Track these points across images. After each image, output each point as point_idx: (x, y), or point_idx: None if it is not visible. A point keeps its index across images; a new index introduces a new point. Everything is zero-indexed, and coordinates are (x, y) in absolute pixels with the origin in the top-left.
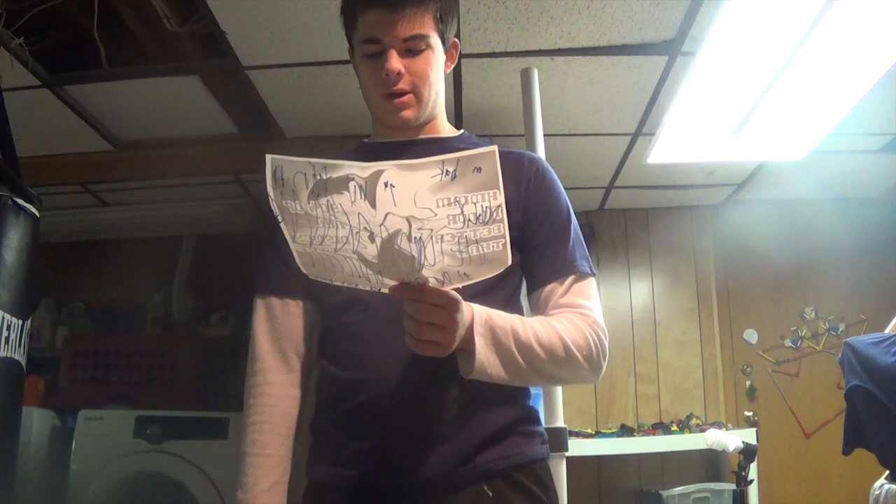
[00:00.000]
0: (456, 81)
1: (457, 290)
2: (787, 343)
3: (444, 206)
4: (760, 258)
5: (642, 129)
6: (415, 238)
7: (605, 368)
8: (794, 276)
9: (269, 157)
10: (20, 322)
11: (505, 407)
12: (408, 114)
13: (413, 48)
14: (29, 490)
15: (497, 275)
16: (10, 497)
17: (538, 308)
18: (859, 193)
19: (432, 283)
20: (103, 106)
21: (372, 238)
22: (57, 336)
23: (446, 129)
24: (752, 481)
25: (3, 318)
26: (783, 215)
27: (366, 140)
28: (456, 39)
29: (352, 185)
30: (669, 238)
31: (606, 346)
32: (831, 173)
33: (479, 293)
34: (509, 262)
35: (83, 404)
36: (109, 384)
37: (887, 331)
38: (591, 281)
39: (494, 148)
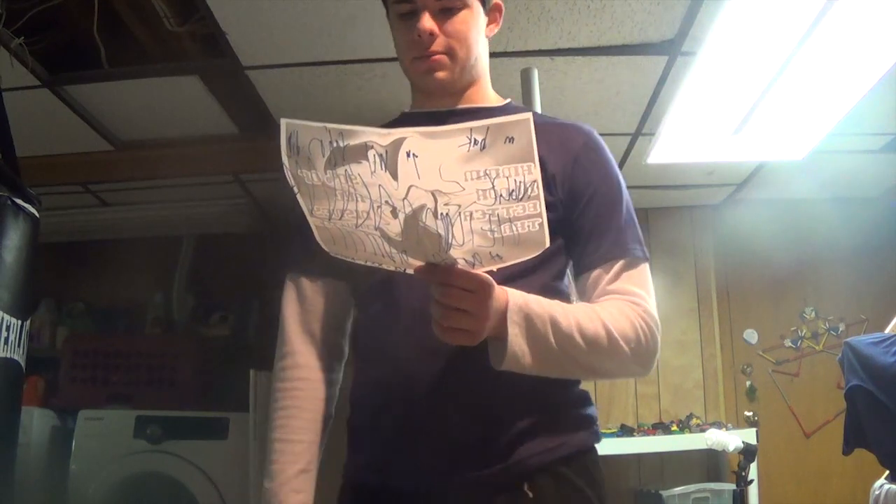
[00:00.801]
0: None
1: (490, 273)
2: (787, 343)
3: (472, 179)
4: (760, 258)
5: (642, 129)
6: (441, 214)
7: (655, 363)
8: (794, 276)
9: (283, 122)
10: (19, 322)
11: (550, 392)
12: (442, 76)
13: (448, 7)
14: (29, 490)
15: (537, 257)
16: (9, 497)
17: (584, 295)
18: (859, 193)
19: (461, 264)
20: (103, 106)
21: (395, 213)
22: (57, 336)
23: (490, 98)
24: (752, 481)
25: (2, 318)
26: (783, 215)
27: (405, 110)
28: (499, 0)
29: (371, 153)
30: (669, 238)
31: (658, 338)
32: (831, 173)
33: (517, 277)
34: (547, 245)
35: (83, 404)
36: (109, 384)
37: (887, 331)
38: (644, 266)
39: (529, 115)
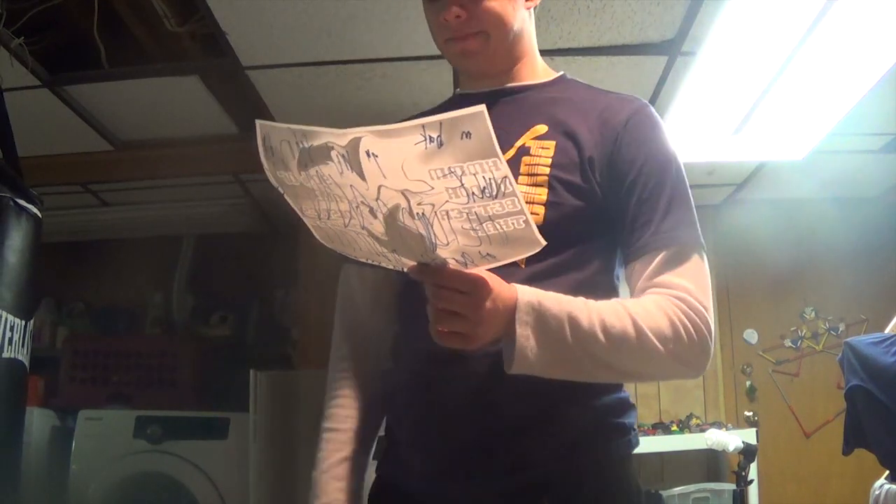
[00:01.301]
0: (456, 82)
1: (504, 272)
2: (787, 343)
3: (439, 178)
4: (760, 258)
5: None
6: (417, 214)
7: (708, 363)
8: (794, 276)
9: (257, 123)
10: (23, 323)
11: (585, 402)
12: (477, 58)
13: None
14: (29, 490)
15: (570, 253)
16: (16, 495)
17: (630, 288)
18: (859, 193)
19: (452, 264)
20: (103, 106)
21: (373, 213)
22: (57, 336)
23: (539, 73)
24: (752, 481)
25: (6, 319)
26: (783, 215)
27: (459, 91)
28: None
29: (333, 154)
30: None
31: (708, 334)
32: (831, 173)
33: (547, 275)
34: (541, 243)
35: (83, 404)
36: (109, 384)
37: (887, 331)
38: (694, 255)
39: (482, 108)
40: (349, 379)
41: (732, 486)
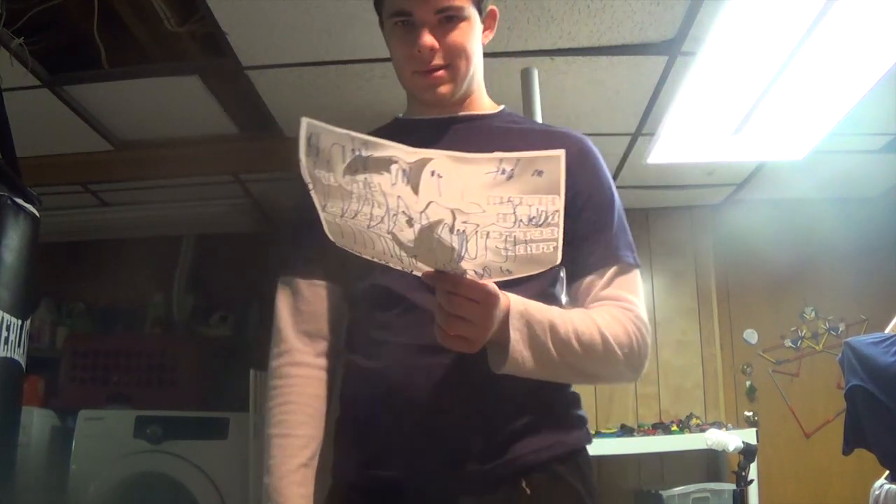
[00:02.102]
0: None
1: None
2: (787, 343)
3: (494, 203)
4: (760, 258)
5: (642, 129)
6: (458, 231)
7: (645, 368)
8: (794, 276)
9: (304, 121)
10: (19, 322)
11: (545, 392)
12: (444, 90)
13: (448, 19)
14: (29, 490)
15: None
16: (10, 497)
17: (577, 300)
18: (859, 193)
19: (470, 275)
20: (103, 106)
21: (410, 223)
22: (57, 336)
23: (486, 105)
24: (752, 481)
25: (2, 318)
26: (783, 215)
27: (400, 116)
28: (493, 7)
29: (394, 167)
30: (669, 238)
31: (649, 342)
32: (831, 173)
33: (516, 283)
34: (557, 262)
35: (83, 404)
36: (109, 384)
37: (887, 331)
38: (636, 273)
39: (561, 153)
40: (302, 386)
41: (732, 486)
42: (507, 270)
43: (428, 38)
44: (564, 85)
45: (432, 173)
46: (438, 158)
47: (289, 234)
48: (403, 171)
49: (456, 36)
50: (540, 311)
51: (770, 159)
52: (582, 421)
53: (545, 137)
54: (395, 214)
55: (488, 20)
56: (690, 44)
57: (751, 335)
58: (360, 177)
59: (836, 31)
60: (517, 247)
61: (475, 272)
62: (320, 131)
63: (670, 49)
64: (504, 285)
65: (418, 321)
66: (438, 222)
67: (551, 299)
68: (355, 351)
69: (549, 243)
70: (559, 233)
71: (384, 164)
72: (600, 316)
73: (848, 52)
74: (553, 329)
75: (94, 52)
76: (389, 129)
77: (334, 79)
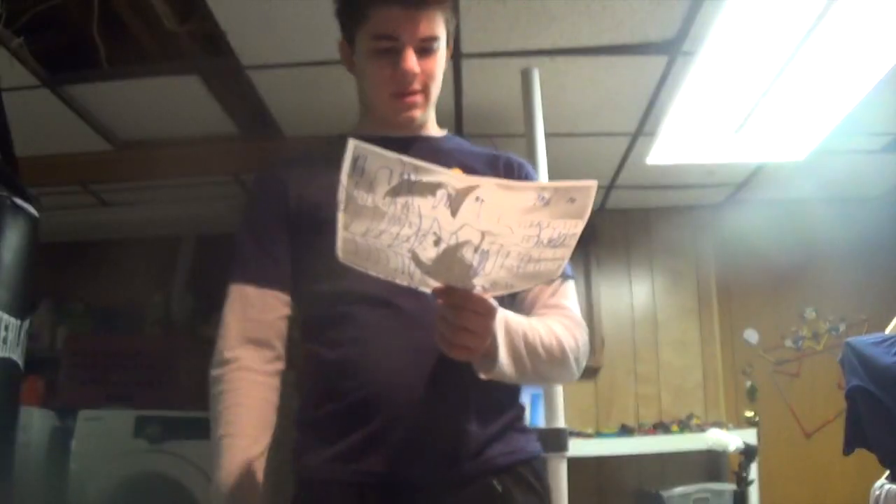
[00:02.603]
0: (456, 81)
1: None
2: (788, 343)
3: (524, 227)
4: (760, 258)
5: (642, 129)
6: (482, 251)
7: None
8: (794, 276)
9: (352, 143)
10: (18, 322)
11: (507, 403)
12: (416, 113)
13: (427, 48)
14: (29, 490)
15: None
16: (8, 497)
17: (524, 308)
18: (859, 193)
19: (478, 290)
20: (103, 106)
21: (437, 243)
22: (57, 336)
23: (435, 129)
24: (752, 481)
25: (0, 317)
26: (783, 215)
27: (360, 132)
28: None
29: (440, 192)
30: (670, 238)
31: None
32: (831, 173)
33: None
34: (556, 278)
35: (83, 404)
36: (109, 384)
37: (888, 331)
38: (573, 283)
39: (594, 183)
40: (251, 390)
41: (732, 487)
42: (510, 285)
43: (413, 63)
44: (564, 85)
45: (476, 199)
46: (486, 186)
47: (239, 243)
48: (449, 195)
49: (433, 63)
50: (516, 320)
51: (770, 160)
52: (534, 432)
53: (493, 160)
54: (424, 235)
55: (447, 51)
56: (690, 44)
57: (751, 335)
58: (402, 199)
59: (836, 32)
60: (528, 265)
61: (482, 287)
62: (368, 154)
63: (670, 49)
64: None
65: (394, 323)
66: (465, 242)
67: (507, 305)
68: (328, 345)
69: (557, 262)
70: (569, 254)
71: (431, 189)
72: (556, 324)
73: (848, 52)
74: (525, 336)
75: (94, 52)
76: (341, 145)
77: (334, 79)
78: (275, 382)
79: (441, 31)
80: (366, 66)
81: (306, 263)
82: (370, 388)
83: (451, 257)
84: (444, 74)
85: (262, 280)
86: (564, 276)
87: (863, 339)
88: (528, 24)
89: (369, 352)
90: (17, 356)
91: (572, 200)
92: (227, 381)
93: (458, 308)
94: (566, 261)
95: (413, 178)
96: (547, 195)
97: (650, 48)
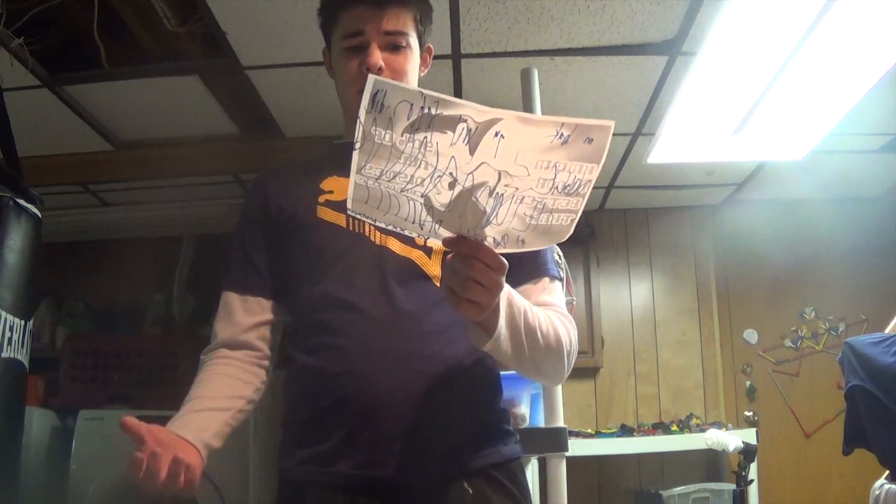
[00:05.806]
0: (456, 81)
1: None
2: (787, 343)
3: (541, 168)
4: (760, 258)
5: (642, 129)
6: (497, 194)
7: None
8: (794, 276)
9: (371, 78)
10: (22, 323)
11: (483, 408)
12: None
13: (394, 44)
14: (29, 490)
15: None
16: (15, 496)
17: None
18: (859, 193)
19: (489, 242)
20: (103, 106)
21: (452, 185)
22: (57, 336)
23: None
24: (752, 481)
25: (5, 319)
26: (783, 215)
27: (337, 141)
28: (430, 45)
29: (460, 126)
30: (669, 238)
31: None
32: (831, 173)
33: None
34: (568, 236)
35: (83, 404)
36: (109, 384)
37: (887, 331)
38: (560, 284)
39: (611, 123)
40: (223, 366)
41: (732, 486)
42: (523, 241)
43: (377, 57)
44: (564, 85)
45: (496, 133)
46: (508, 119)
47: (233, 251)
48: (469, 129)
49: (400, 60)
50: (518, 298)
51: (770, 159)
52: (514, 435)
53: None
54: (440, 176)
55: (425, 55)
56: (690, 44)
57: (751, 335)
58: (420, 135)
59: (836, 31)
60: (542, 215)
61: (494, 239)
62: (388, 88)
63: (670, 49)
64: None
65: (375, 329)
66: (481, 185)
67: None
68: (309, 353)
69: (569, 214)
70: (582, 205)
71: (451, 123)
72: (553, 316)
73: (848, 52)
74: (525, 316)
75: (94, 52)
76: (329, 154)
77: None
78: (250, 368)
79: (409, 28)
80: (337, 69)
81: (289, 271)
82: (341, 392)
83: (465, 201)
84: (444, 74)
85: (244, 287)
86: (552, 277)
87: (862, 339)
88: (528, 24)
89: (341, 357)
90: (22, 357)
91: (590, 141)
92: (201, 371)
93: (468, 258)
94: (578, 216)
95: (434, 111)
96: (566, 132)
97: (650, 48)
